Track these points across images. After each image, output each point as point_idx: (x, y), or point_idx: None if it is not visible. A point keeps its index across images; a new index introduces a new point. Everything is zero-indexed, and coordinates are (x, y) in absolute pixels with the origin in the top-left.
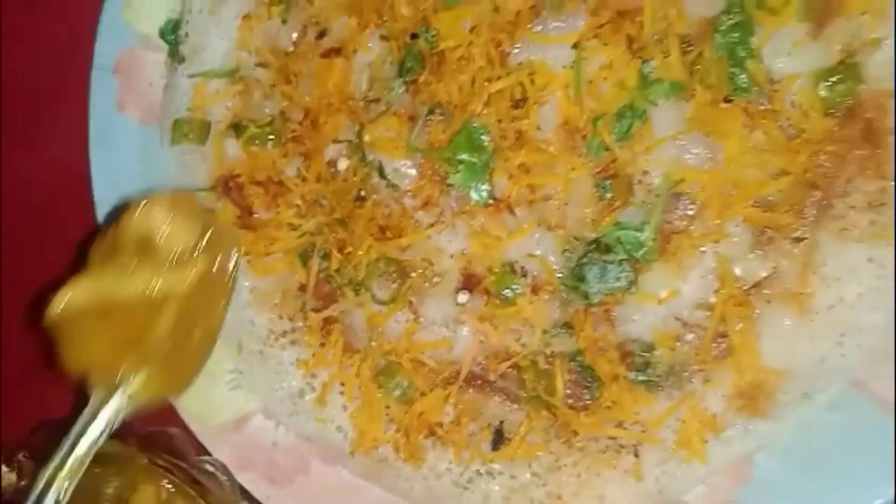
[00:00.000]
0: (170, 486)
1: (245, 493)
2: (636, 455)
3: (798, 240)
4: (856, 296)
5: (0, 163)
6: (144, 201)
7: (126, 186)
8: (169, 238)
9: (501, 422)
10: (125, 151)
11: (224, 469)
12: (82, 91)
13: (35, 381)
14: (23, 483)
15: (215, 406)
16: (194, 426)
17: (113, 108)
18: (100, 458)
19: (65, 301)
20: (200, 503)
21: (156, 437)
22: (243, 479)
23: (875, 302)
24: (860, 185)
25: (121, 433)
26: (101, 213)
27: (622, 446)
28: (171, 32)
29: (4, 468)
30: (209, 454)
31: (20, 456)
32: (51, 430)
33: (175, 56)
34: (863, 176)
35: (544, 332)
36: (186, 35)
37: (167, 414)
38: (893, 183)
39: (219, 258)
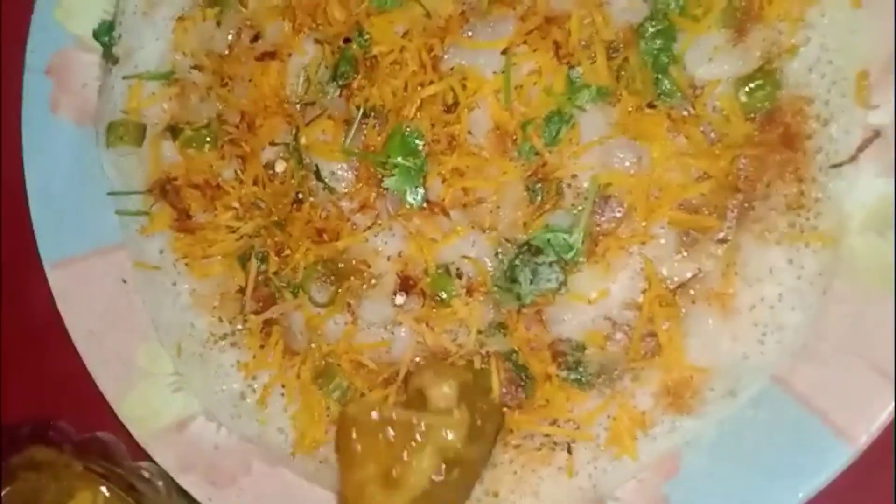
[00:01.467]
0: (107, 492)
1: (187, 496)
2: (569, 452)
3: (721, 241)
4: (776, 296)
5: None
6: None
7: (62, 189)
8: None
9: None
10: (60, 154)
11: (161, 474)
12: (14, 92)
13: None
14: None
15: (156, 409)
16: (134, 430)
17: (46, 110)
18: (35, 465)
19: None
20: None
21: (90, 443)
22: (185, 481)
23: (794, 302)
24: (779, 188)
25: (55, 440)
26: (38, 217)
27: (556, 443)
28: (105, 33)
29: None
30: (144, 459)
31: None
32: None
33: (109, 57)
34: (782, 179)
35: (479, 332)
36: (120, 36)
37: (103, 418)
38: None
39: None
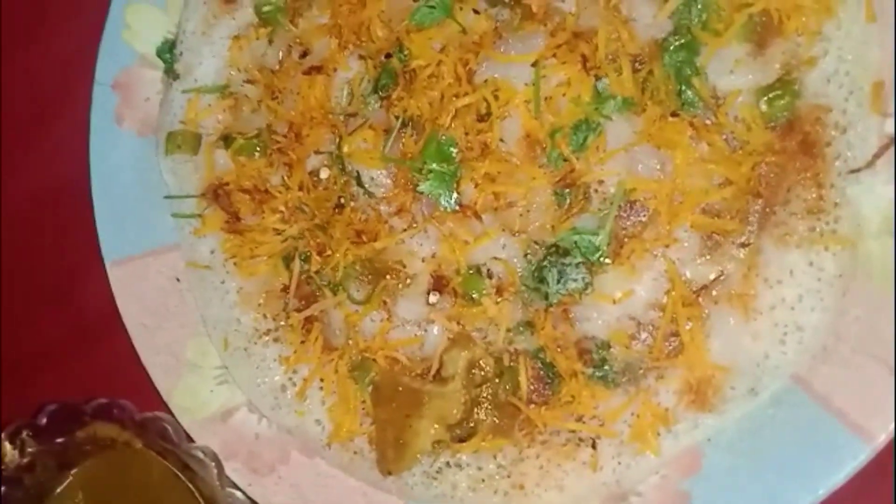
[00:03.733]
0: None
1: (229, 480)
2: (594, 447)
3: (743, 245)
4: (796, 297)
5: (2, 170)
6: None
7: (123, 195)
8: None
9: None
10: (123, 162)
11: (213, 455)
12: (83, 106)
13: (37, 366)
14: (24, 461)
15: (203, 400)
16: (182, 418)
17: (112, 122)
18: (97, 440)
19: None
20: (189, 486)
21: (150, 422)
22: (228, 468)
23: (814, 303)
24: (799, 194)
25: (118, 417)
26: (101, 219)
27: (581, 439)
28: (167, 51)
29: (8, 445)
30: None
31: (24, 434)
32: (53, 411)
33: (170, 73)
34: (802, 185)
35: (508, 330)
36: (181, 54)
37: (159, 405)
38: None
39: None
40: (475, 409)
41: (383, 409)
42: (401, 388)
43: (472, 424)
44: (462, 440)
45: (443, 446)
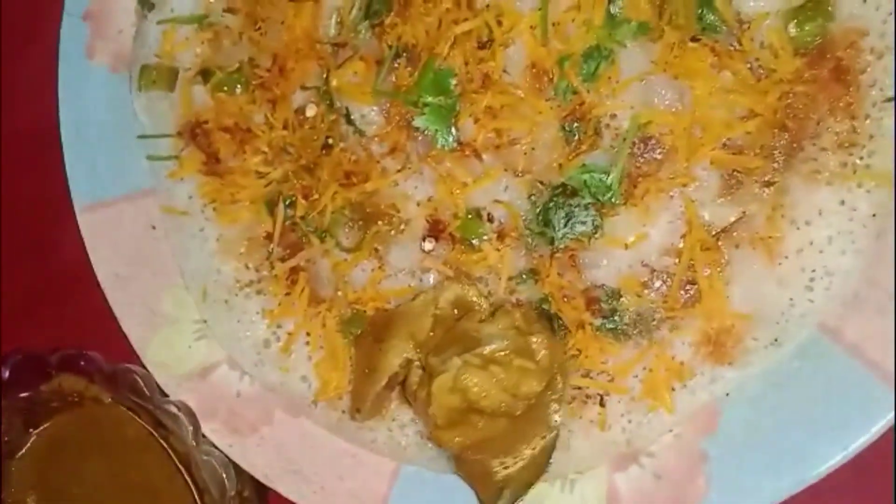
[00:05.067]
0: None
1: (206, 438)
2: (602, 405)
3: (768, 183)
4: (825, 239)
5: None
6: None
7: (95, 135)
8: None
9: None
10: (94, 99)
11: (188, 411)
12: (52, 39)
13: (4, 319)
14: None
15: (180, 355)
16: (158, 374)
17: (83, 56)
18: (63, 394)
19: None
20: (163, 445)
21: (120, 375)
22: (206, 428)
23: (845, 245)
24: (831, 126)
25: (85, 370)
26: (72, 161)
27: (588, 396)
28: None
29: None
30: None
31: None
32: (16, 363)
33: (145, 3)
34: (833, 116)
35: (510, 278)
36: None
37: (132, 359)
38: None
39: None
40: None
41: (359, 345)
42: (374, 317)
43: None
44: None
45: (412, 366)
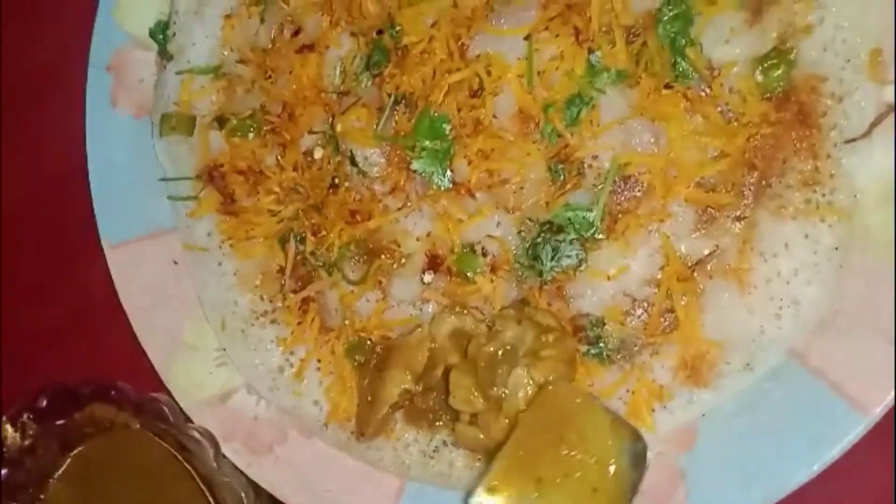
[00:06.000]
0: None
1: (227, 460)
2: None
3: (738, 218)
4: (792, 270)
5: (1, 155)
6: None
7: (119, 178)
8: None
9: None
10: (118, 144)
11: (209, 436)
12: (79, 89)
13: (37, 350)
14: (26, 443)
15: (200, 381)
16: (180, 399)
17: (107, 104)
18: (96, 422)
19: None
20: (186, 466)
21: (148, 403)
22: (226, 449)
23: (810, 276)
24: (795, 165)
25: (116, 399)
26: (99, 203)
27: None
28: (160, 32)
29: (9, 428)
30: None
31: (24, 417)
32: (53, 393)
33: (164, 54)
34: (797, 156)
35: (503, 308)
36: (174, 35)
37: (158, 387)
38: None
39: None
40: None
41: (363, 373)
42: (377, 348)
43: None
44: (429, 388)
45: (409, 395)
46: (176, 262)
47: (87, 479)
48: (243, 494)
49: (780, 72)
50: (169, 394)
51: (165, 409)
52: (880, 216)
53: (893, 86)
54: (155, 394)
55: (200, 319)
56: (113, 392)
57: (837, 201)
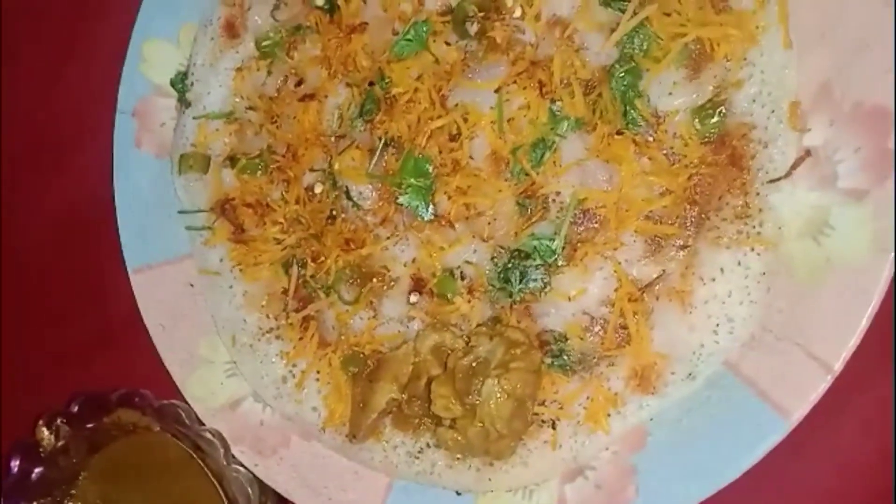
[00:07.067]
0: (178, 450)
1: (236, 459)
2: (554, 428)
3: (681, 247)
4: (727, 292)
5: (38, 190)
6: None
7: (142, 210)
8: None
9: None
10: (142, 181)
11: (220, 437)
12: (107, 132)
13: (69, 363)
14: (59, 444)
15: (214, 391)
16: (196, 406)
17: (132, 145)
18: (122, 425)
19: None
20: (201, 465)
21: (167, 409)
22: (236, 450)
23: (742, 297)
24: (729, 201)
25: (139, 405)
26: (124, 232)
27: (543, 421)
28: (180, 82)
29: (45, 431)
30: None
31: (58, 421)
32: (84, 400)
33: (183, 101)
34: (731, 193)
35: (478, 324)
36: (192, 84)
37: (176, 394)
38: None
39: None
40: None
41: (356, 383)
42: (369, 361)
43: (422, 382)
44: (414, 397)
45: (396, 403)
46: (192, 285)
47: (112, 476)
48: (250, 490)
49: (715, 120)
50: (185, 402)
51: (182, 413)
52: (802, 246)
53: (808, 133)
54: (173, 401)
55: (213, 335)
56: (136, 398)
57: (765, 232)
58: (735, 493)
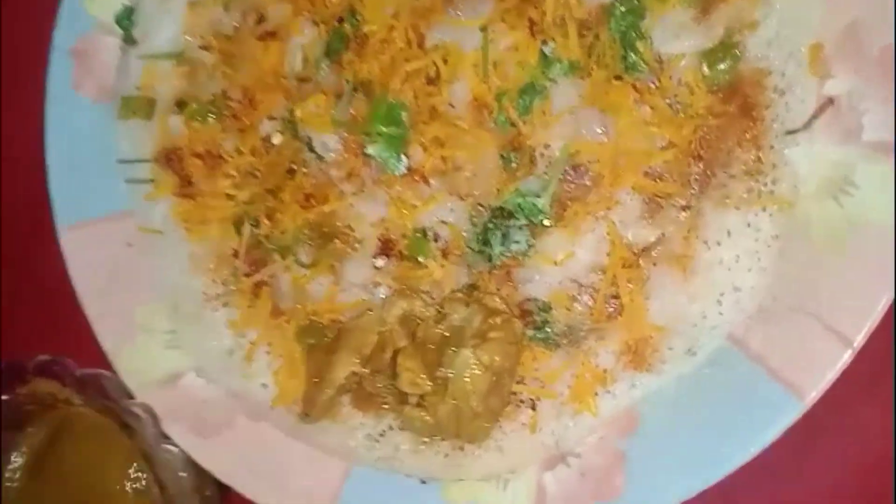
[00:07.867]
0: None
1: (171, 441)
2: (534, 409)
3: (684, 207)
4: (734, 258)
5: None
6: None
7: (79, 159)
8: None
9: None
10: (79, 128)
11: (151, 412)
12: (41, 71)
13: None
14: None
15: (150, 363)
16: (128, 381)
17: (69, 88)
18: (38, 398)
19: None
20: (127, 443)
21: (90, 379)
22: (171, 431)
23: (751, 263)
24: (739, 156)
25: (58, 374)
26: (56, 183)
27: (522, 401)
28: (126, 18)
29: None
30: None
31: None
32: None
33: (128, 40)
34: (741, 147)
35: (452, 291)
36: (139, 20)
37: (107, 366)
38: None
39: None
40: None
41: (311, 355)
42: (327, 331)
43: (386, 355)
44: (377, 371)
45: (356, 378)
46: (130, 245)
47: (33, 461)
48: (184, 473)
49: (726, 65)
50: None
51: (107, 385)
52: (820, 207)
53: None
54: (98, 370)
55: (153, 302)
56: (56, 367)
57: (779, 191)
58: (730, 488)
